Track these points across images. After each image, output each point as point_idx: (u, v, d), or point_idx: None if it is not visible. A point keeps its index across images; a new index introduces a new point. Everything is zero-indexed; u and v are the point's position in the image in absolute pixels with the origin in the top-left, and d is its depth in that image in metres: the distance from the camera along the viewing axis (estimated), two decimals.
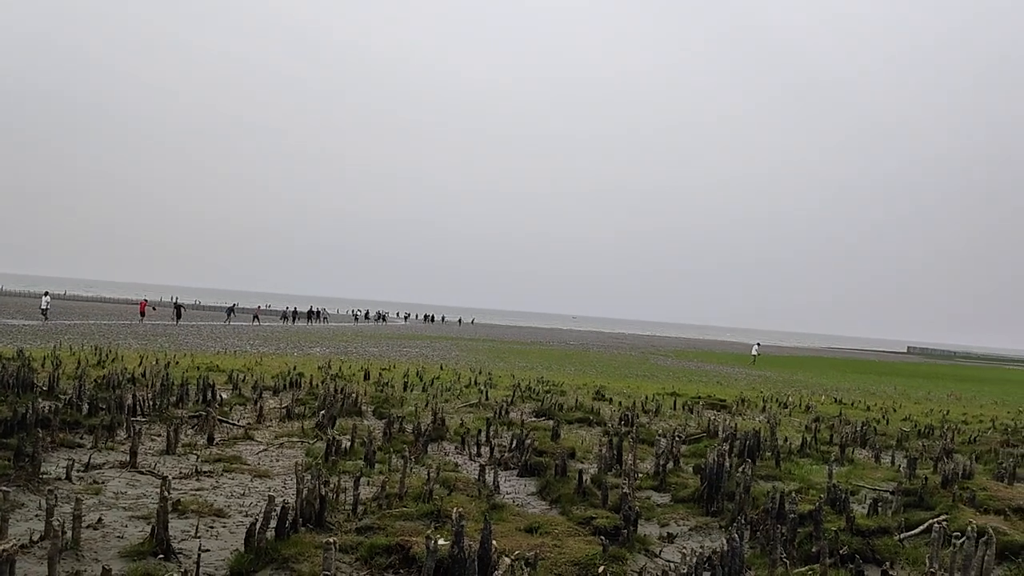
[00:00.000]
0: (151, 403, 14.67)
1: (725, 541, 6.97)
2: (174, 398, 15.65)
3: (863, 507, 10.27)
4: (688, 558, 6.33)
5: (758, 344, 78.41)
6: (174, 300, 73.58)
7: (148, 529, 7.36)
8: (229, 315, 79.13)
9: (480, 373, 29.32)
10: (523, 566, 6.25)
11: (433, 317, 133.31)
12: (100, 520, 7.83)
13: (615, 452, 12.18)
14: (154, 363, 22.61)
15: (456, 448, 13.50)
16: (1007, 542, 8.28)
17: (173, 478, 9.60)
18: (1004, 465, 13.25)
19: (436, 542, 6.20)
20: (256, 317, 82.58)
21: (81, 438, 11.80)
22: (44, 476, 9.33)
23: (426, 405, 17.89)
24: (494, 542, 6.78)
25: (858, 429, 17.70)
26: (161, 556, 6.88)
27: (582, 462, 12.66)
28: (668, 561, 7.77)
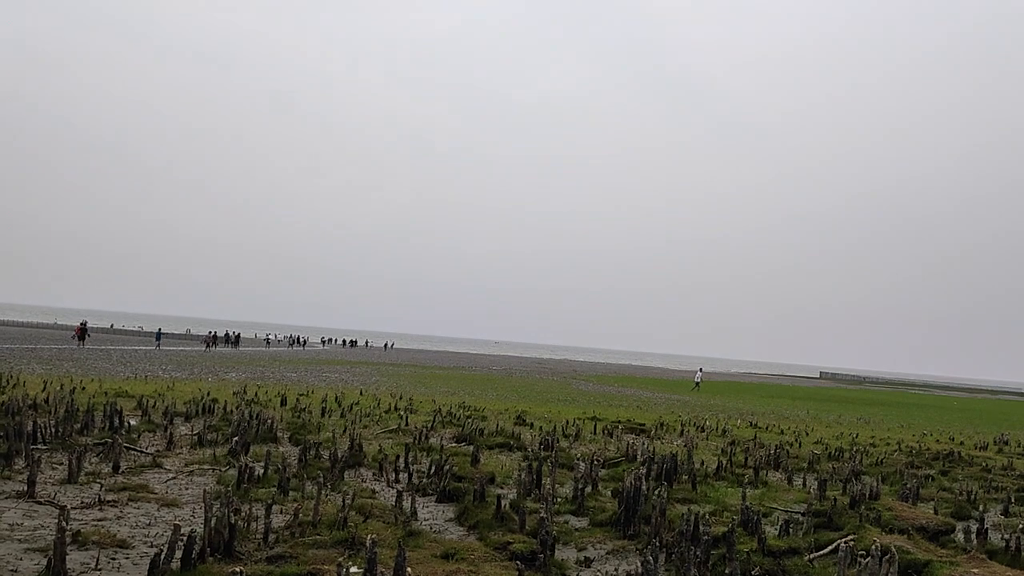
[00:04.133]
0: (53, 430, 14.05)
1: (640, 564, 7.02)
2: (79, 425, 15.02)
3: (775, 528, 10.47)
4: None
5: (700, 370, 78.08)
6: (81, 323, 71.07)
7: (45, 562, 7.01)
8: (158, 340, 76.79)
9: (401, 398, 29.03)
10: None
11: (355, 342, 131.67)
12: None
13: (535, 477, 12.17)
14: (59, 388, 21.69)
15: (374, 474, 13.29)
16: (910, 560, 8.55)
17: (74, 508, 9.20)
18: (908, 486, 13.74)
19: (348, 570, 6.07)
20: (158, 338, 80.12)
21: None
22: None
23: (344, 431, 17.59)
24: (409, 569, 6.67)
25: (772, 452, 18.11)
26: None
27: (502, 487, 12.60)
28: None
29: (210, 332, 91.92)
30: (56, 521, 7.36)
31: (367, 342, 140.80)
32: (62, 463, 11.85)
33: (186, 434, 15.80)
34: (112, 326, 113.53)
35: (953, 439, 28.95)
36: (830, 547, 9.24)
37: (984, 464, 19.83)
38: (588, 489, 12.14)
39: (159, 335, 79.84)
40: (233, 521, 7.81)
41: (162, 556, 6.79)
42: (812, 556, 9.03)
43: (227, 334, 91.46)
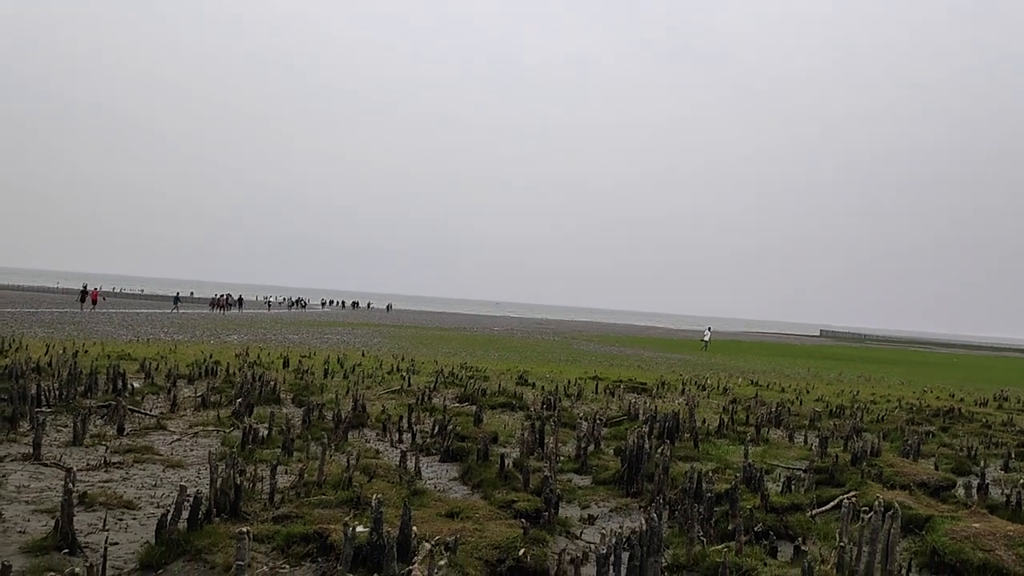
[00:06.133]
0: (57, 393, 14.09)
1: (644, 521, 7.05)
2: (82, 388, 15.06)
3: (777, 485, 10.54)
4: (608, 538, 6.37)
5: (709, 329, 76.66)
6: (84, 286, 71.89)
7: (52, 523, 7.05)
8: (176, 304, 78.07)
9: (403, 359, 29.11)
10: (443, 551, 6.21)
11: (356, 303, 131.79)
12: (0, 515, 7.47)
13: (537, 436, 12.22)
14: (61, 352, 21.72)
15: (377, 435, 13.35)
16: (911, 515, 8.61)
17: (80, 470, 9.23)
18: (909, 442, 13.81)
19: (354, 529, 6.10)
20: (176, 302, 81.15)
21: None
22: None
23: (347, 392, 17.65)
24: (414, 528, 6.71)
25: (773, 410, 18.18)
26: (66, 550, 6.59)
27: (505, 446, 12.66)
28: (588, 542, 7.83)
29: (217, 295, 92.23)
30: (62, 483, 7.39)
31: (368, 304, 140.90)
32: (67, 426, 11.89)
33: (189, 396, 15.85)
34: (115, 289, 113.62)
35: (953, 396, 29.06)
36: (832, 503, 9.31)
37: (984, 420, 19.91)
38: (591, 448, 12.20)
39: (177, 299, 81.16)
40: (239, 482, 7.84)
41: (169, 516, 6.82)
42: (814, 512, 9.09)
43: (225, 297, 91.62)
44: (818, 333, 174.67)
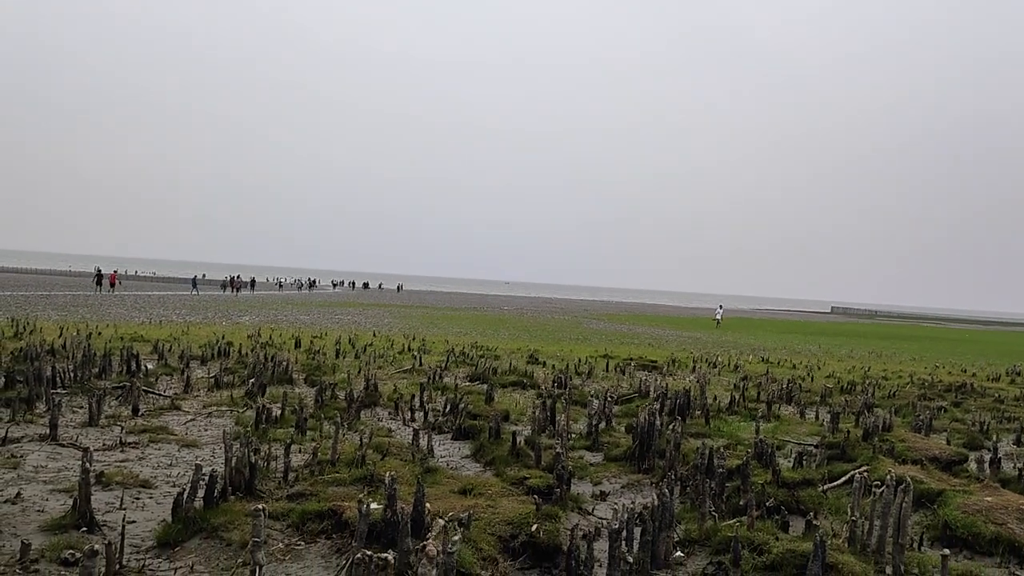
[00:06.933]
0: (72, 375, 14.20)
1: (656, 496, 7.09)
2: (96, 369, 15.17)
3: (789, 461, 10.55)
4: (620, 514, 6.41)
5: (720, 307, 76.32)
6: (98, 269, 72.62)
7: (70, 502, 7.13)
8: (194, 286, 78.59)
9: (414, 339, 29.19)
10: (456, 527, 6.25)
11: (367, 284, 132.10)
12: (19, 494, 7.56)
13: (549, 414, 12.26)
14: (75, 334, 21.86)
15: (390, 414, 13.42)
16: (923, 489, 8.62)
17: (96, 450, 9.32)
18: (921, 417, 13.80)
19: (368, 506, 6.14)
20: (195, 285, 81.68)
21: None
22: None
23: (359, 372, 17.73)
24: (428, 504, 6.76)
25: (784, 386, 18.18)
26: (84, 528, 6.67)
27: (516, 424, 12.72)
28: (601, 518, 7.87)
29: (228, 277, 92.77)
30: (79, 463, 7.47)
31: (380, 284, 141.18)
32: (82, 407, 12.00)
33: (203, 377, 15.95)
34: (130, 272, 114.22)
35: (965, 371, 28.98)
36: (844, 478, 9.32)
37: (996, 395, 19.87)
38: (602, 425, 12.23)
39: (195, 281, 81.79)
40: (253, 460, 7.90)
41: (185, 495, 6.89)
42: (826, 487, 9.11)
43: (238, 278, 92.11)
44: (829, 310, 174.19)
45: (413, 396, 14.20)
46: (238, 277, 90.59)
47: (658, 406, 13.49)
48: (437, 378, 17.11)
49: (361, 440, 9.64)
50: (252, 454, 7.92)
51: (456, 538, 5.24)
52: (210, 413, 12.51)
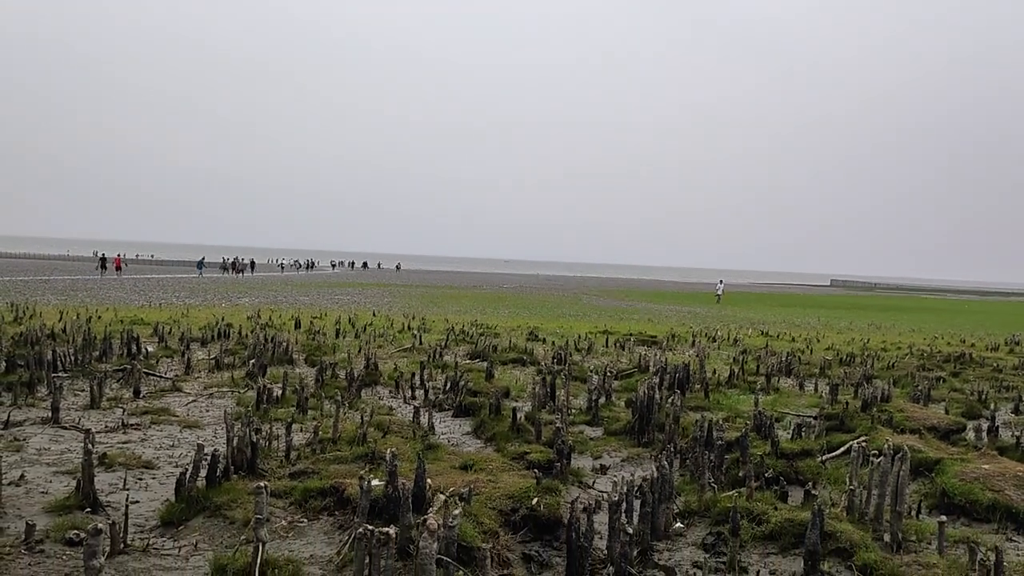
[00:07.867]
0: (73, 358, 14.23)
1: (655, 469, 7.14)
2: (97, 352, 15.20)
3: (787, 432, 10.61)
4: (620, 486, 6.45)
5: (721, 282, 76.16)
6: (100, 254, 72.81)
7: (73, 484, 7.18)
8: (200, 268, 78.69)
9: (413, 318, 29.23)
10: (457, 501, 6.31)
11: (366, 264, 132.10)
12: (22, 476, 7.61)
13: (549, 390, 12.31)
14: (75, 318, 21.89)
15: (390, 392, 13.48)
16: (921, 458, 8.67)
17: (98, 432, 9.37)
18: (920, 388, 13.87)
19: (370, 482, 6.19)
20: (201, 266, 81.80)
21: None
22: None
23: (359, 351, 17.77)
24: (429, 480, 6.81)
25: (783, 359, 18.23)
26: (88, 509, 6.72)
27: (516, 400, 12.77)
28: (601, 491, 7.92)
29: (228, 258, 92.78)
30: (82, 445, 7.51)
31: (378, 264, 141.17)
32: (83, 390, 12.04)
33: (203, 358, 15.99)
34: (132, 255, 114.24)
35: (964, 341, 29.07)
36: (843, 448, 9.38)
37: (995, 365, 19.93)
38: (602, 400, 12.28)
39: (201, 264, 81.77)
40: (255, 440, 7.94)
41: (187, 474, 6.94)
42: (824, 457, 9.17)
43: (239, 260, 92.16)
44: (828, 283, 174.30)
45: (413, 374, 14.24)
46: (239, 259, 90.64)
47: (657, 380, 13.53)
48: (437, 356, 17.16)
49: (362, 418, 9.68)
50: (254, 433, 7.96)
51: (457, 512, 5.29)
52: (211, 394, 12.55)
